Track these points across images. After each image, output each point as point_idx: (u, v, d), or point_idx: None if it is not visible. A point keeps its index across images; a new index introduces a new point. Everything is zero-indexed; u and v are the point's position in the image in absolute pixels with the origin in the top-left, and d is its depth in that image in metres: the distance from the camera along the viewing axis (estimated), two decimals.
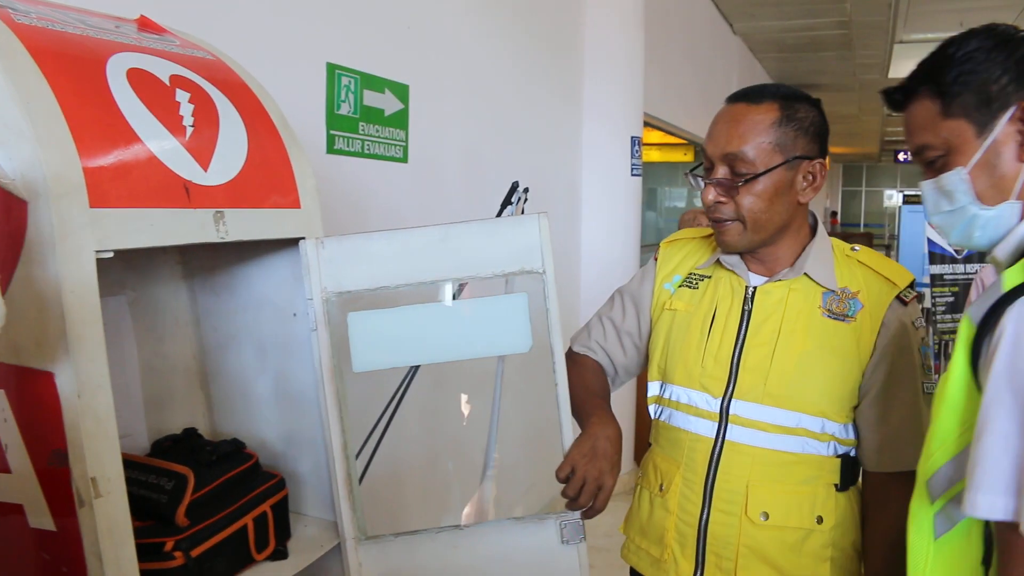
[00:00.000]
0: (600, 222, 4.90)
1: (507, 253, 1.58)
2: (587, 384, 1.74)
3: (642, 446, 5.22)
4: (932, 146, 1.23)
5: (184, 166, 1.39)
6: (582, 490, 1.48)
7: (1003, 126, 1.14)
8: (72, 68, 1.29)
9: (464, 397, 2.95)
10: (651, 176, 10.45)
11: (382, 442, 2.20)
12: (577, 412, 1.66)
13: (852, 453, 1.61)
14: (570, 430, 1.63)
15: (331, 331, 1.62)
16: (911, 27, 10.35)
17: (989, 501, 0.98)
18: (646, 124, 5.60)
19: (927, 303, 6.37)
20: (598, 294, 4.66)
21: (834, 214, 28.62)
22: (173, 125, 1.40)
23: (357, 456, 2.07)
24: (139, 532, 1.33)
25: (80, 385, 1.17)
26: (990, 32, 1.19)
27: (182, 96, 1.46)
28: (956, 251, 6.15)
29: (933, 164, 1.24)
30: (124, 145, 1.30)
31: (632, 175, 4.95)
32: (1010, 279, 1.04)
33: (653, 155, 10.15)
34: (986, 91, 1.16)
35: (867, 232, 19.12)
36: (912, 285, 1.59)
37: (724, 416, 1.59)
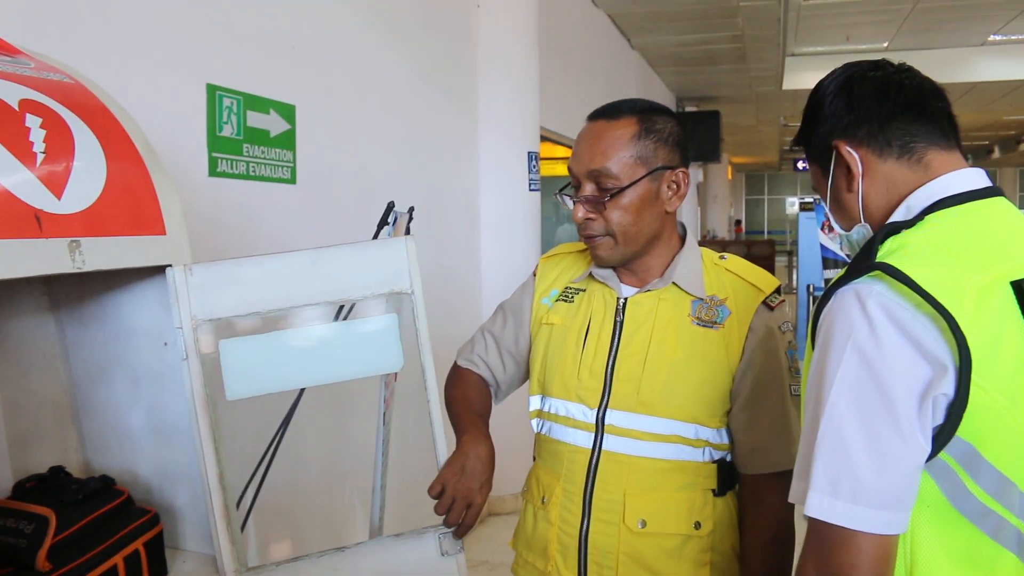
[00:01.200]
0: (500, 237, 4.91)
1: (377, 275, 1.58)
2: (467, 399, 1.75)
3: None
4: (815, 188, 1.43)
5: (35, 195, 1.34)
6: (452, 507, 1.50)
7: (833, 167, 1.29)
8: None
9: (353, 420, 2.92)
10: (553, 189, 10.51)
11: (271, 470, 2.16)
12: (454, 427, 1.68)
13: (728, 458, 1.64)
14: (444, 446, 1.65)
15: (203, 359, 1.58)
16: (801, 41, 10.74)
17: (795, 487, 1.09)
18: (545, 139, 5.65)
19: None
20: None
21: (738, 222, 29.33)
22: (22, 152, 1.35)
23: (247, 486, 2.03)
24: None
25: None
26: (835, 76, 1.33)
27: (33, 121, 1.40)
28: (847, 255, 6.35)
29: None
30: None
31: (530, 190, 4.98)
32: (835, 276, 1.14)
33: (558, 169, 10.24)
34: (821, 139, 1.31)
35: (770, 239, 19.61)
36: (778, 291, 1.64)
37: (600, 426, 1.61)
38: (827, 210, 1.40)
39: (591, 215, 1.59)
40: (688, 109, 13.62)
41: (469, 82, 4.78)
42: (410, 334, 1.59)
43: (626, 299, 1.65)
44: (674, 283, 1.63)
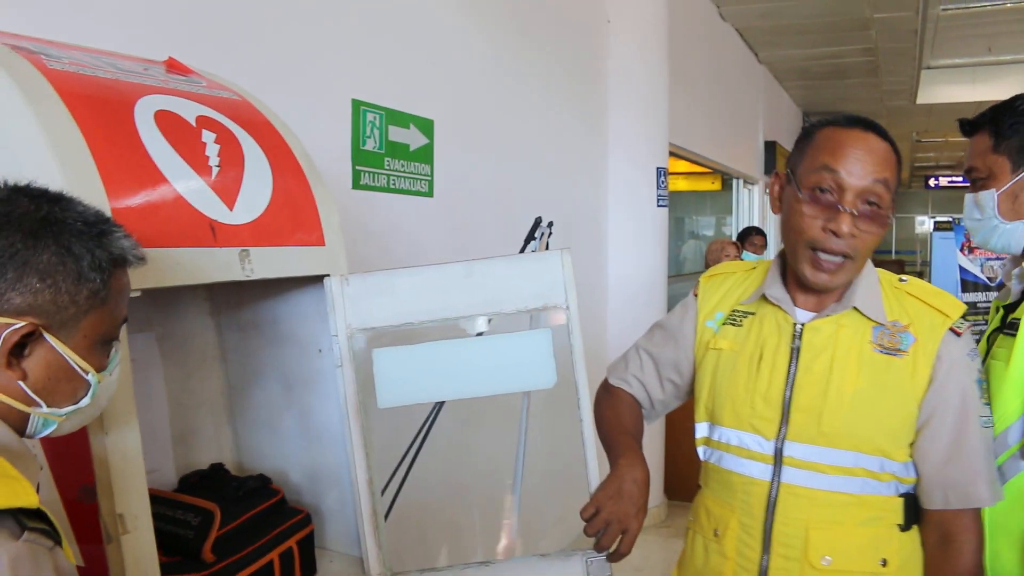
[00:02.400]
0: (626, 253, 4.90)
1: (531, 289, 1.58)
2: (620, 419, 1.69)
3: (673, 480, 5.18)
4: (978, 169, 1.67)
5: (210, 206, 1.42)
6: (606, 531, 1.45)
7: None
8: (101, 112, 1.32)
9: (490, 432, 2.95)
10: (678, 205, 10.46)
11: (408, 477, 2.21)
12: (607, 447, 1.63)
13: (913, 491, 1.56)
14: (596, 467, 1.61)
15: (356, 367, 1.63)
16: (938, 53, 10.32)
17: None
18: (672, 154, 5.61)
19: None
20: (625, 325, 4.67)
21: None
22: (199, 165, 1.43)
23: (383, 492, 2.08)
24: (166, 568, 1.34)
25: (108, 422, 1.19)
26: None
27: (208, 137, 1.49)
28: (989, 279, 6.08)
29: (976, 183, 1.70)
30: (151, 186, 1.33)
31: (658, 206, 4.95)
32: None
33: (680, 184, 10.15)
34: None
35: (899, 259, 18.93)
36: (965, 316, 1.53)
37: (778, 458, 1.54)
38: (995, 196, 1.63)
39: (856, 232, 1.46)
40: None
41: (599, 97, 4.79)
42: (560, 350, 1.58)
43: (803, 324, 1.57)
44: (855, 307, 1.53)
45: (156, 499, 1.38)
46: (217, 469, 1.73)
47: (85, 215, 1.00)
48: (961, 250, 6.09)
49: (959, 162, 22.32)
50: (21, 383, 0.95)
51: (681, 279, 6.61)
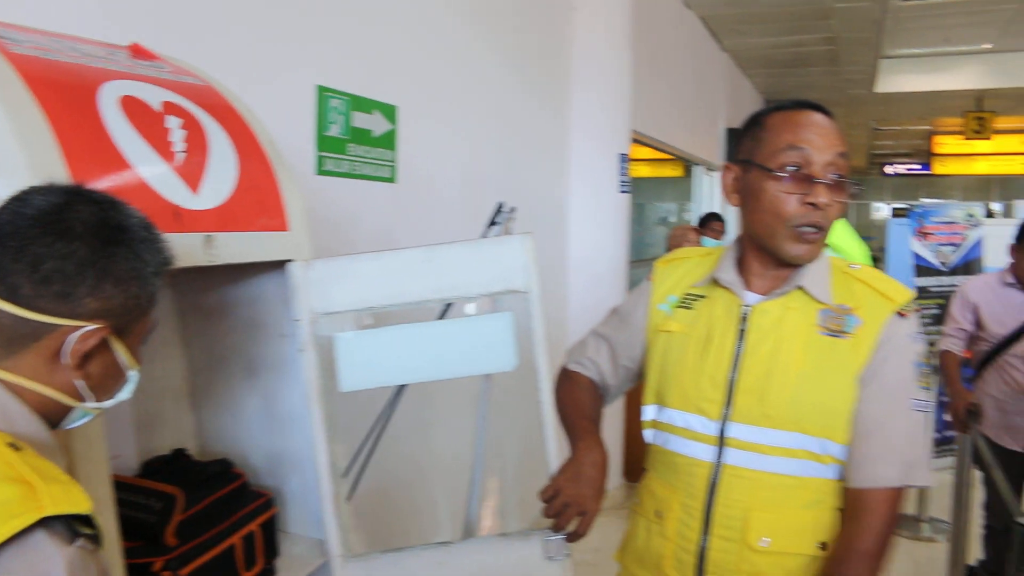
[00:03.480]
0: (588, 238, 4.93)
1: (492, 273, 1.60)
2: (578, 403, 1.71)
3: (632, 463, 5.23)
4: None
5: (174, 191, 1.42)
6: (564, 512, 1.48)
7: None
8: (65, 96, 1.32)
9: (452, 415, 2.97)
10: (641, 191, 10.51)
11: (371, 460, 2.23)
12: (567, 431, 1.66)
13: None
14: (555, 449, 1.64)
15: (319, 351, 1.64)
16: (897, 42, 10.47)
17: None
18: (635, 141, 5.65)
19: None
20: (586, 310, 4.71)
21: None
22: (164, 151, 1.43)
23: (345, 474, 2.10)
24: (128, 552, 1.35)
25: None
26: None
27: (173, 122, 1.49)
28: (942, 263, 6.21)
29: None
30: (115, 171, 1.33)
31: (620, 191, 4.99)
32: None
33: (642, 170, 10.21)
34: None
35: None
36: (910, 303, 1.54)
37: (722, 439, 1.55)
38: None
39: (830, 202, 1.49)
40: None
41: (562, 83, 4.81)
42: (521, 333, 1.61)
43: (750, 306, 1.58)
44: (800, 288, 1.55)
45: (119, 484, 1.39)
46: (179, 454, 1.74)
47: (143, 221, 1.04)
48: (915, 236, 6.20)
49: (915, 149, 22.66)
50: (81, 382, 0.98)
51: (643, 264, 6.67)
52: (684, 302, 1.68)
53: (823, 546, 1.52)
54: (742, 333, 1.57)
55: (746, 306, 1.58)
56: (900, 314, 1.52)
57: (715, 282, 1.63)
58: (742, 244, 1.63)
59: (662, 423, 1.66)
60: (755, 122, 1.59)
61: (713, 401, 1.56)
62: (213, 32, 2.34)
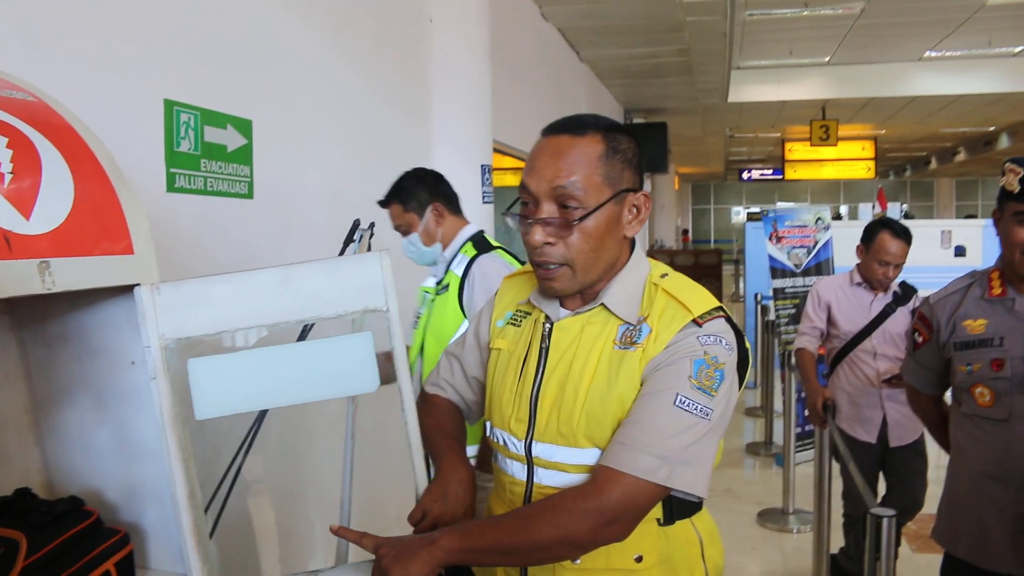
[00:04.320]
0: None
1: (350, 292, 1.56)
2: (439, 424, 1.69)
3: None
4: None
5: (3, 215, 1.33)
6: None
7: None
8: None
9: (319, 438, 2.91)
10: (506, 201, 10.58)
11: (234, 488, 2.15)
12: (431, 453, 1.63)
13: None
14: (423, 467, 1.62)
15: (171, 378, 1.57)
16: (746, 55, 10.96)
17: None
18: (496, 151, 5.68)
19: (771, 316, 6.69)
20: None
21: (685, 232, 29.73)
22: None
23: (209, 504, 2.02)
24: None
25: None
26: None
27: None
28: (795, 265, 6.49)
29: None
30: None
31: (484, 203, 5.01)
32: None
33: (507, 179, 10.29)
34: None
35: (717, 248, 19.89)
36: (713, 311, 1.47)
37: (529, 458, 1.53)
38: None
39: (551, 239, 1.44)
40: (636, 121, 13.79)
41: (423, 96, 4.80)
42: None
43: (553, 324, 1.56)
44: (603, 304, 1.51)
45: None
46: (23, 494, 1.63)
47: None
48: (769, 239, 6.47)
49: (768, 155, 23.69)
50: None
51: None
52: (514, 319, 1.66)
53: (639, 559, 1.47)
54: (544, 351, 1.55)
55: (548, 323, 1.56)
56: (696, 322, 1.45)
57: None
58: None
59: (492, 440, 1.65)
60: None
61: (520, 420, 1.54)
62: (50, 44, 2.23)
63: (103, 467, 1.75)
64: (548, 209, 1.44)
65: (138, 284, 1.57)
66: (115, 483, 1.75)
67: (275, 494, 3.06)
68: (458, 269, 2.71)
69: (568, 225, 1.43)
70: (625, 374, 1.45)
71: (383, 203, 2.79)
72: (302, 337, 2.06)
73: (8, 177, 1.37)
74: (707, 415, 1.40)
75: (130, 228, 1.59)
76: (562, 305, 1.57)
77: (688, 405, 1.39)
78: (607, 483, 1.37)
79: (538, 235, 1.44)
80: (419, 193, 2.77)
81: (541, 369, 1.53)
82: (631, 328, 1.48)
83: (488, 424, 1.66)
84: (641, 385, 1.44)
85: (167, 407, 1.58)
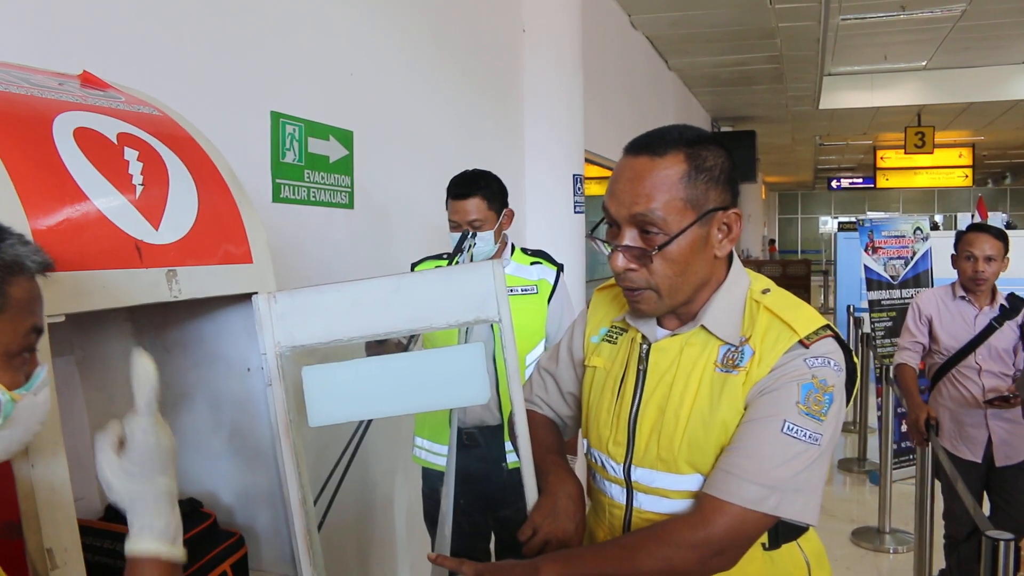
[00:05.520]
0: None
1: (461, 302, 1.56)
2: (539, 440, 1.65)
3: None
4: None
5: (135, 225, 1.38)
6: (545, 550, 1.43)
7: None
8: (18, 130, 1.28)
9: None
10: (595, 210, 10.57)
11: (338, 493, 2.18)
12: (536, 469, 1.60)
13: None
14: (533, 483, 1.60)
15: (286, 385, 1.60)
16: (838, 60, 10.70)
17: None
18: (587, 161, 5.67)
19: (866, 328, 6.52)
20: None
21: (772, 242, 29.21)
22: (122, 184, 1.39)
23: (315, 505, 2.05)
24: None
25: (33, 453, 1.15)
26: None
27: (130, 154, 1.45)
28: (892, 277, 6.31)
29: None
30: (73, 206, 1.29)
31: (575, 212, 5.01)
32: None
33: (595, 189, 10.26)
34: None
35: (805, 259, 19.49)
36: (820, 330, 1.42)
37: (628, 482, 1.50)
38: None
39: (633, 266, 1.40)
40: (724, 129, 13.63)
41: (515, 106, 4.82)
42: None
43: (650, 345, 1.51)
44: (703, 326, 1.46)
45: (84, 529, 1.34)
46: None
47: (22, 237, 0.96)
48: (865, 250, 6.31)
49: (859, 164, 23.12)
50: None
51: (599, 283, 6.68)
52: (609, 335, 1.63)
53: None
54: (641, 373, 1.51)
55: (645, 344, 1.52)
56: (803, 343, 1.40)
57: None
58: None
59: (589, 459, 1.62)
60: None
61: (619, 443, 1.51)
62: (165, 59, 2.31)
63: (219, 471, 1.80)
64: (629, 235, 1.40)
65: (256, 292, 1.61)
66: (229, 486, 1.80)
67: (380, 499, 3.10)
68: (544, 275, 2.90)
69: (648, 255, 1.39)
70: (728, 398, 1.41)
71: (463, 194, 2.80)
72: (407, 346, 2.09)
73: (139, 188, 1.42)
74: (816, 440, 1.35)
75: (249, 237, 1.63)
76: (660, 324, 1.53)
77: (796, 432, 1.35)
78: (713, 513, 1.34)
79: (620, 261, 1.40)
80: (503, 195, 2.90)
81: (639, 391, 1.50)
82: (733, 349, 1.43)
83: (586, 443, 1.64)
84: (745, 410, 1.40)
85: (282, 413, 1.61)
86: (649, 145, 1.40)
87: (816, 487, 1.38)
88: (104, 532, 1.47)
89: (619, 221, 1.40)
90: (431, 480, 2.87)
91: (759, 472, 1.34)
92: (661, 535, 1.36)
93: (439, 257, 2.89)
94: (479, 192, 2.79)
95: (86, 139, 1.38)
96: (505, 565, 1.39)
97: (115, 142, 1.44)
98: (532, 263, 2.95)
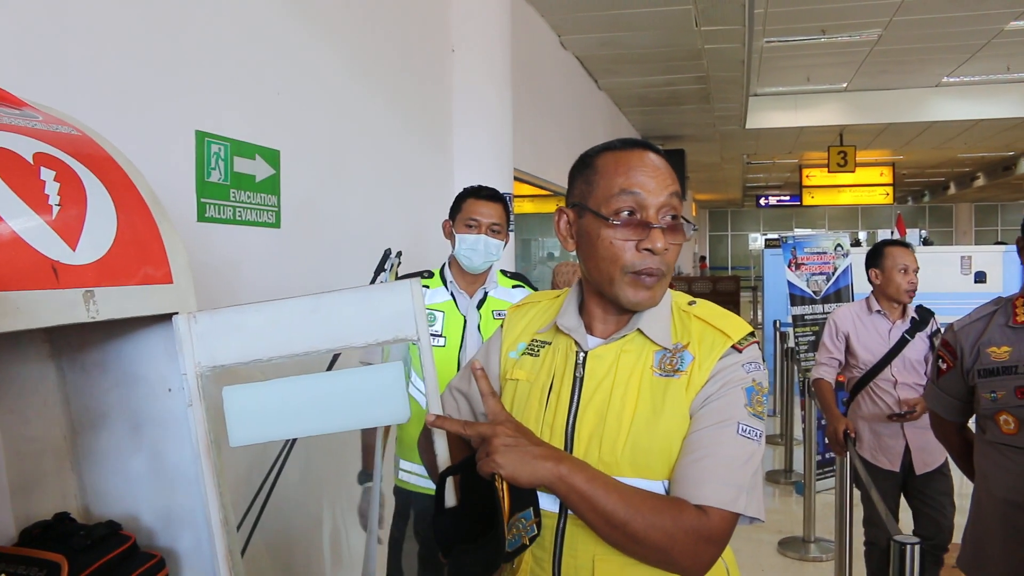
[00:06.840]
0: None
1: (380, 321, 1.57)
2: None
3: None
4: None
5: (51, 246, 1.38)
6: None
7: None
8: None
9: (348, 462, 2.93)
10: (525, 227, 10.63)
11: (264, 512, 2.18)
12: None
13: None
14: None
15: (207, 405, 1.60)
16: (763, 81, 10.99)
17: None
18: (517, 179, 5.73)
19: (791, 343, 6.68)
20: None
21: (703, 258, 29.70)
22: (38, 205, 1.39)
23: (239, 526, 2.04)
24: None
25: None
26: None
27: (47, 174, 1.44)
28: (814, 292, 6.49)
29: None
30: None
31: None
32: None
33: (526, 206, 10.35)
34: None
35: (735, 275, 19.84)
36: (749, 336, 1.51)
37: None
38: None
39: (668, 246, 1.47)
40: None
41: (445, 125, 4.86)
42: None
43: (586, 352, 1.55)
44: (639, 330, 1.52)
45: None
46: (62, 518, 1.67)
47: None
48: (789, 266, 6.47)
49: (786, 182, 23.67)
50: None
51: None
52: (531, 349, 1.65)
53: None
54: (578, 380, 1.54)
55: (581, 352, 1.55)
56: (736, 348, 1.49)
57: (557, 328, 1.61)
58: (583, 288, 1.62)
59: None
60: (585, 163, 1.57)
61: None
62: (87, 78, 2.29)
63: (138, 492, 1.78)
64: (664, 218, 1.48)
65: (176, 313, 1.61)
66: (150, 508, 1.78)
67: (304, 518, 3.08)
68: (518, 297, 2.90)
69: (678, 230, 1.48)
70: (672, 403, 1.46)
71: (492, 196, 3.01)
72: (331, 366, 2.09)
73: (56, 209, 1.41)
74: (759, 437, 1.45)
75: (169, 257, 1.63)
76: (590, 332, 1.58)
77: (748, 432, 1.43)
78: (720, 520, 1.39)
79: (660, 242, 1.45)
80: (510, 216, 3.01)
81: (576, 399, 1.52)
82: (668, 354, 1.50)
83: None
84: (691, 416, 1.46)
85: (202, 434, 1.61)
86: (646, 145, 1.53)
87: (760, 483, 1.47)
88: (17, 558, 1.46)
89: (651, 205, 1.46)
90: (420, 502, 2.73)
91: (728, 474, 1.40)
92: (671, 501, 1.40)
93: (419, 275, 2.92)
94: (502, 202, 2.93)
95: (0, 159, 1.37)
96: (531, 435, 1.43)
97: (31, 162, 1.43)
98: (514, 286, 3.04)
